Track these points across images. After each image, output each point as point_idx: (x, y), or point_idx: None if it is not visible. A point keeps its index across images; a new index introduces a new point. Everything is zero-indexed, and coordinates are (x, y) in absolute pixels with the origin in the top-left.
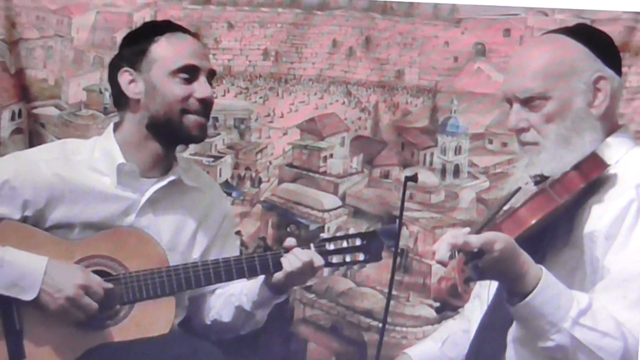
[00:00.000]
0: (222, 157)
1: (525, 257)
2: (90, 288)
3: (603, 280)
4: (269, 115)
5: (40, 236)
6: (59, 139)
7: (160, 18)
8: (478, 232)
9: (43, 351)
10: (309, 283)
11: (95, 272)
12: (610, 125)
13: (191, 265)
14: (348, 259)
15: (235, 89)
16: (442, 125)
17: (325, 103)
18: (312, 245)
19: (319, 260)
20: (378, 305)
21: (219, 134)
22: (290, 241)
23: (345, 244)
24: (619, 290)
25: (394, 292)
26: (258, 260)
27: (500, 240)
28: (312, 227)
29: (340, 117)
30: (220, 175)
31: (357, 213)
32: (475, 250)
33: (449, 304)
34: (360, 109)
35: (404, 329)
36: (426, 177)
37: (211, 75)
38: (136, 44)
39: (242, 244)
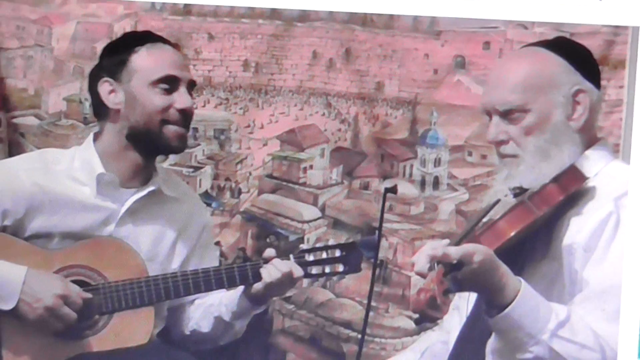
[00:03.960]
0: (202, 168)
1: (504, 268)
2: (69, 298)
3: (581, 292)
4: (248, 126)
5: (20, 246)
6: (39, 148)
7: (140, 28)
8: (457, 243)
9: None
10: (288, 294)
11: (74, 281)
12: (589, 138)
13: (170, 275)
14: (327, 270)
15: (216, 99)
16: (421, 137)
17: (305, 114)
18: (291, 256)
19: (298, 271)
20: (357, 316)
21: (198, 145)
22: (269, 252)
23: (324, 255)
24: (597, 303)
25: (373, 303)
26: (237, 271)
27: (479, 252)
28: (292, 238)
29: (320, 128)
30: (200, 186)
31: (336, 224)
32: (454, 261)
33: (428, 316)
34: (340, 120)
35: (383, 340)
36: (406, 188)
37: (191, 86)
38: (116, 54)
39: (222, 254)
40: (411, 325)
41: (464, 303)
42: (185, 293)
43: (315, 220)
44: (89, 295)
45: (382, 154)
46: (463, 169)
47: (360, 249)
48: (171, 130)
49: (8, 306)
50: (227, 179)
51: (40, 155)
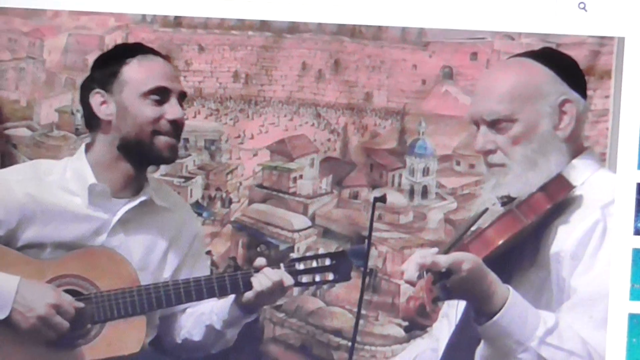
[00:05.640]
0: (192, 178)
1: (492, 277)
2: (61, 307)
3: (569, 300)
4: (239, 136)
5: (12, 256)
6: (31, 159)
7: (131, 40)
8: (446, 252)
9: None
10: (278, 302)
11: (67, 291)
12: (576, 147)
13: (162, 284)
14: (317, 278)
15: (206, 110)
16: (410, 147)
17: (294, 125)
18: (282, 265)
19: (288, 280)
20: (347, 325)
21: (189, 155)
22: (260, 261)
23: (314, 264)
24: (585, 310)
25: (363, 312)
26: (228, 280)
27: (467, 260)
28: (282, 247)
29: (310, 138)
30: (191, 196)
31: (326, 233)
32: (443, 270)
33: (417, 323)
34: (329, 130)
35: (373, 348)
36: (395, 198)
37: (182, 97)
38: (107, 66)
39: (213, 263)
40: (401, 333)
41: (453, 311)
42: (177, 302)
43: (305, 229)
44: (81, 304)
45: (371, 164)
46: (451, 178)
47: (350, 258)
48: (162, 141)
49: (1, 316)
50: (218, 189)
51: (32, 166)
